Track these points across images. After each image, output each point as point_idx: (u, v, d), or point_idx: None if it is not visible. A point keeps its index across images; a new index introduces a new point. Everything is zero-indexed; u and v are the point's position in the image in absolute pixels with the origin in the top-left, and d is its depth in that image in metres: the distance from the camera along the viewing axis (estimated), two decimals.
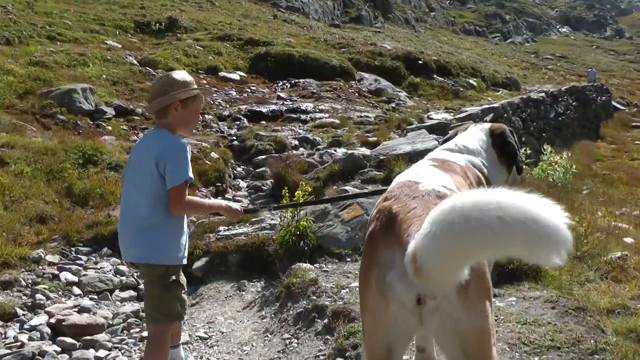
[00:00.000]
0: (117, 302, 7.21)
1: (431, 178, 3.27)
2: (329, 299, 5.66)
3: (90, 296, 7.21)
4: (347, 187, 10.07)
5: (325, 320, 5.39)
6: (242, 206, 5.30)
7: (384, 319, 2.78)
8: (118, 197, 10.34)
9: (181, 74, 4.58)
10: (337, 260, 7.13)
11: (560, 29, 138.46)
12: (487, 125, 4.59)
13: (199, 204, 5.09)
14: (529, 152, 18.26)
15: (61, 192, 10.14)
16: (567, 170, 17.56)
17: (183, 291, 4.59)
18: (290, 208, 7.29)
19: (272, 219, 8.70)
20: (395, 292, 2.65)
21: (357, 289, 5.07)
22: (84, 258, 8.28)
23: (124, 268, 8.12)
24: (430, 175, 3.36)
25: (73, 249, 8.50)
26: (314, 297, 5.78)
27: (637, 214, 14.56)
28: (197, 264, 7.81)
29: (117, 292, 7.47)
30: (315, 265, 6.97)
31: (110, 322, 6.45)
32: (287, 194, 7.48)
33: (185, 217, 4.70)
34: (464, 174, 3.76)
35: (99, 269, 7.98)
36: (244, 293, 7.12)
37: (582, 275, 6.29)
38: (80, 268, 7.89)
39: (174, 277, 4.45)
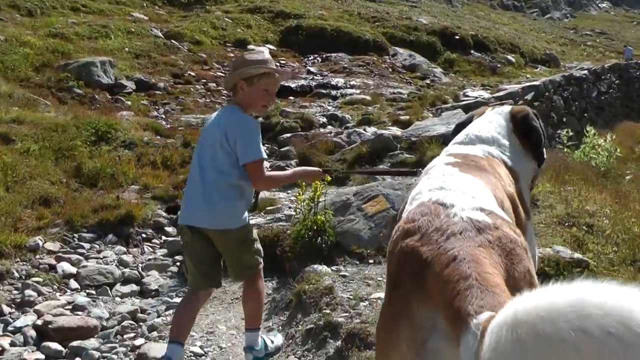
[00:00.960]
0: (117, 298, 6.50)
1: (462, 195, 2.39)
2: (345, 314, 4.77)
3: (87, 291, 6.52)
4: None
5: (339, 343, 4.46)
6: (319, 169, 5.32)
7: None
8: (130, 177, 9.71)
9: (254, 53, 4.67)
10: (357, 262, 6.21)
11: (599, 4, 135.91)
12: (507, 109, 3.81)
13: (278, 177, 5.23)
14: (570, 133, 17.39)
15: (69, 172, 9.51)
16: (611, 154, 16.63)
17: (257, 241, 4.77)
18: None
19: (289, 208, 7.90)
20: (434, 351, 1.97)
21: (378, 299, 4.85)
22: (87, 246, 7.59)
23: (128, 258, 7.43)
24: (459, 188, 2.47)
25: (76, 235, 7.79)
26: (328, 311, 4.88)
27: None
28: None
29: (117, 286, 6.74)
30: (333, 267, 6.05)
31: (104, 324, 5.73)
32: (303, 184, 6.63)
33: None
34: (494, 170, 3.04)
35: (101, 259, 7.32)
36: None
37: None
38: (81, 258, 7.19)
39: (249, 235, 4.64)
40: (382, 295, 5.09)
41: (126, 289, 6.70)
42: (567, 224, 6.43)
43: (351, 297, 5.11)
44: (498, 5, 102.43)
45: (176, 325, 4.56)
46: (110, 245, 7.75)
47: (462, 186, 2.49)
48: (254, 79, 4.43)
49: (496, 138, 3.43)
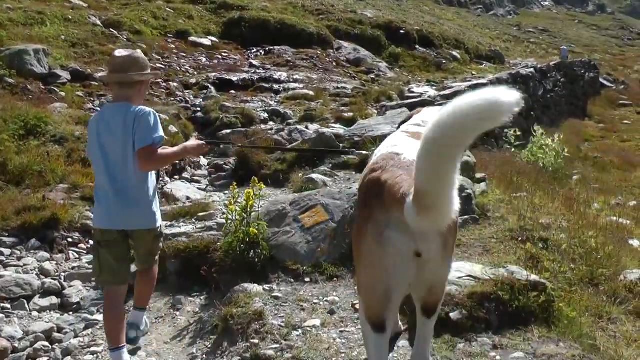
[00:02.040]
0: (35, 313, 6.03)
1: (410, 150, 3.44)
2: (275, 346, 4.33)
3: (2, 305, 6.03)
4: (313, 176, 8.95)
5: None
6: (203, 142, 5.58)
7: (383, 268, 3.19)
8: (59, 175, 9.20)
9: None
10: (292, 280, 5.77)
11: (542, 3, 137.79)
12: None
13: (166, 155, 5.20)
14: (518, 133, 17.32)
15: None
16: (559, 155, 16.60)
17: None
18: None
19: (222, 214, 7.45)
20: (396, 244, 3.11)
21: (313, 328, 4.77)
22: (7, 252, 7.07)
23: (50, 267, 6.97)
24: (409, 146, 3.57)
25: None
26: (256, 341, 4.44)
27: (634, 204, 13.68)
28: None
29: (36, 298, 6.27)
30: (266, 286, 5.62)
31: (16, 345, 5.29)
32: (253, 185, 6.21)
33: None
34: None
35: (21, 267, 6.83)
36: (178, 314, 5.87)
37: (602, 311, 5.09)
38: None
39: (160, 231, 5.21)
40: (317, 322, 4.76)
41: (45, 301, 6.24)
42: (520, 238, 6.15)
43: (283, 324, 4.72)
44: (442, 0, 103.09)
45: (112, 334, 4.71)
46: (32, 252, 7.24)
47: (407, 145, 3.62)
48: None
49: None
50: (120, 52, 5.06)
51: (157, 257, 5.29)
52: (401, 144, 3.72)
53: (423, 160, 2.69)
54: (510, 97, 2.42)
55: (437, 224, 2.86)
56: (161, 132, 4.82)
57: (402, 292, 3.31)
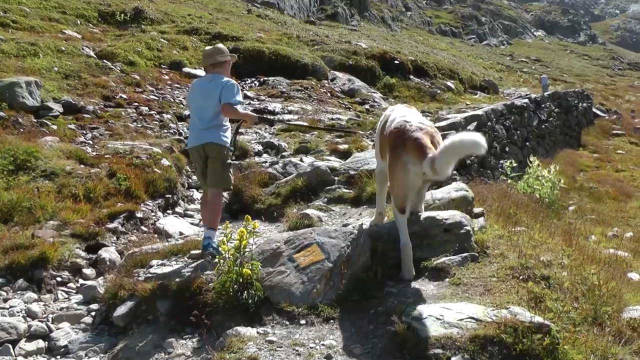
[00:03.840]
0: (20, 358, 5.80)
1: (414, 118, 6.35)
2: None
3: None
4: (308, 211, 8.79)
5: None
6: (257, 116, 8.66)
7: (405, 181, 6.05)
8: (49, 211, 8.97)
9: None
10: (287, 322, 5.53)
11: (535, 33, 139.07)
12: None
13: (236, 111, 7.55)
14: (514, 164, 17.25)
15: None
16: (555, 186, 16.51)
17: (232, 172, 7.77)
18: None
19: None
20: (413, 171, 5.87)
21: None
22: None
23: (37, 308, 6.75)
24: (412, 115, 6.47)
25: None
26: None
27: (630, 235, 13.58)
28: (120, 309, 6.36)
29: (22, 342, 6.05)
30: (260, 329, 5.40)
31: None
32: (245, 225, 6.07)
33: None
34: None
35: (7, 309, 6.60)
36: (168, 358, 5.57)
37: (608, 352, 4.90)
38: None
39: (228, 160, 7.57)
40: None
41: (31, 346, 6.02)
42: (521, 277, 5.96)
43: None
44: (436, 30, 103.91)
45: (204, 215, 8.15)
46: (19, 292, 7.02)
47: (413, 115, 6.45)
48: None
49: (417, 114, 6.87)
50: (207, 47, 8.03)
51: (221, 182, 7.52)
52: (407, 116, 6.38)
53: (445, 154, 5.43)
54: (483, 139, 5.26)
55: (439, 177, 5.84)
56: (239, 98, 7.47)
57: (413, 195, 6.42)
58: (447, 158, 5.39)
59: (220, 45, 8.01)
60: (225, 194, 11.15)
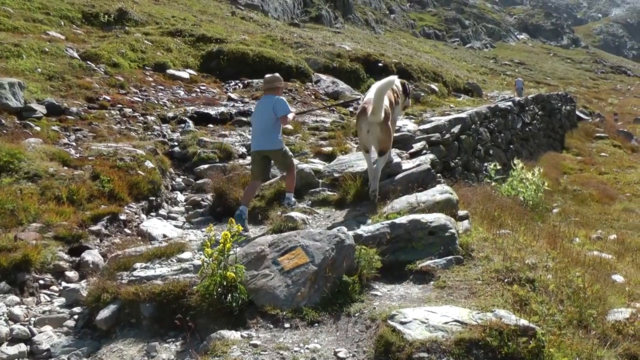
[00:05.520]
0: None
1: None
2: None
3: None
4: (292, 214, 8.78)
5: None
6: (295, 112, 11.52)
7: (365, 135, 9.42)
8: (32, 214, 8.88)
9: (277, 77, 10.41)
10: (272, 326, 5.50)
11: (518, 36, 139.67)
12: (395, 77, 10.34)
13: (288, 118, 9.77)
14: (498, 167, 17.32)
15: None
16: (539, 188, 16.57)
17: (290, 154, 9.97)
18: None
19: (200, 253, 7.21)
20: (365, 126, 9.35)
21: None
22: None
23: (19, 311, 6.69)
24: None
25: None
26: None
27: (614, 238, 13.65)
28: (103, 313, 6.29)
29: (4, 346, 6.00)
30: (244, 332, 5.36)
31: None
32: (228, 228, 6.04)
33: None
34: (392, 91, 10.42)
35: None
36: None
37: (593, 355, 4.89)
38: None
39: (286, 150, 9.81)
40: None
41: (13, 349, 5.98)
42: (507, 280, 5.96)
43: None
44: (420, 33, 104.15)
45: (245, 195, 9.59)
46: (1, 295, 6.94)
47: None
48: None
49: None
50: (267, 75, 10.35)
51: (288, 166, 9.73)
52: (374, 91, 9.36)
53: (374, 99, 9.03)
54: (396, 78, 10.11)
55: (375, 120, 9.06)
56: (288, 109, 9.72)
57: (369, 145, 9.47)
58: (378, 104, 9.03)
59: (276, 74, 10.40)
60: (208, 196, 11.19)
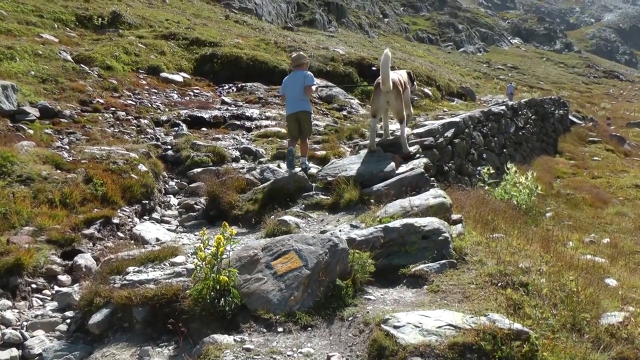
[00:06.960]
0: None
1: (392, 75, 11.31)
2: None
3: None
4: (286, 218, 8.76)
5: None
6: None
7: (377, 103, 11.61)
8: (25, 217, 8.83)
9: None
10: (265, 330, 5.47)
11: (511, 40, 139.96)
12: (405, 71, 13.04)
13: (312, 89, 12.03)
14: (491, 171, 17.34)
15: None
16: (532, 192, 16.60)
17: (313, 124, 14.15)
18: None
19: (192, 256, 7.18)
20: (382, 97, 11.31)
21: None
22: None
23: (11, 315, 6.66)
24: (392, 74, 11.23)
25: None
26: None
27: (607, 241, 13.68)
28: (96, 317, 6.26)
29: None
30: (237, 336, 5.34)
31: None
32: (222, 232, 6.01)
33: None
34: (401, 76, 12.14)
35: None
36: None
37: (586, 359, 4.87)
38: None
39: (312, 114, 12.40)
40: None
41: (5, 354, 5.93)
42: (500, 284, 5.96)
43: None
44: (413, 37, 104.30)
45: (290, 143, 11.92)
46: None
47: (392, 74, 11.43)
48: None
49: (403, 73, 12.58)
50: (294, 54, 12.49)
51: (308, 131, 11.92)
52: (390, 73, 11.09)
53: (381, 72, 11.02)
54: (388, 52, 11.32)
55: (386, 89, 11.01)
56: (315, 81, 11.89)
57: (380, 111, 11.78)
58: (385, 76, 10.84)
59: (301, 52, 13.03)
60: (202, 199, 11.15)
